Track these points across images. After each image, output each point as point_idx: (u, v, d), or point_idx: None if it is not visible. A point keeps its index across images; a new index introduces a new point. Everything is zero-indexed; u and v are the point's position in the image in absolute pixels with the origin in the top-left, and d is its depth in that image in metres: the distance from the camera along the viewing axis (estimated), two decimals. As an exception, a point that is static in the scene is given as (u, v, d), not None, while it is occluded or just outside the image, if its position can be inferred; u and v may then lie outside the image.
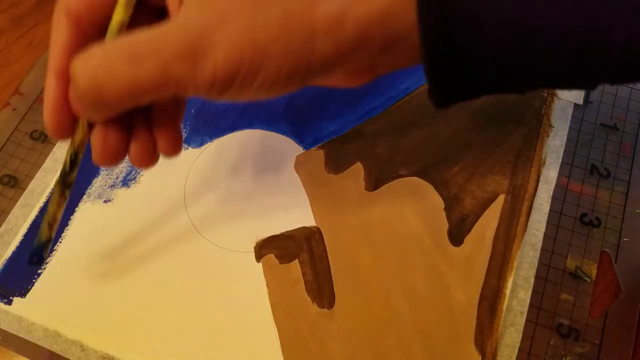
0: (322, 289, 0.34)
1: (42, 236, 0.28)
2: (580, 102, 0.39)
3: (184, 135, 0.39)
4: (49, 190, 0.37)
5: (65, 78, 0.23)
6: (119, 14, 0.22)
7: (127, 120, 0.25)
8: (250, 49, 0.20)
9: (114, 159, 0.24)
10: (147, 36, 0.20)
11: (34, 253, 0.28)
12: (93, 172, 0.37)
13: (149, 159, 0.25)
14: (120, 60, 0.20)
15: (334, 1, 0.20)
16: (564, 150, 0.37)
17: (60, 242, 0.35)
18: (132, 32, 0.21)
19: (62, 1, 0.23)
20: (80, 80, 0.21)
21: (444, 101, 0.23)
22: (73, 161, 0.25)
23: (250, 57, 0.20)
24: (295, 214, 0.36)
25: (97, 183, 0.37)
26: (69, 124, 0.24)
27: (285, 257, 0.35)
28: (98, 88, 0.21)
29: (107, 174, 0.37)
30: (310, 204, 0.36)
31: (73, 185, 0.26)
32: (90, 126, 0.24)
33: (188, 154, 0.38)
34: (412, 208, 0.36)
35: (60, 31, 0.23)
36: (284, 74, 0.21)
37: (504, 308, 0.33)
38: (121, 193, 0.37)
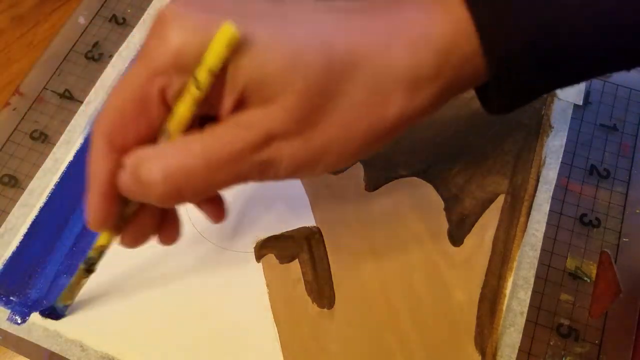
0: (322, 289, 0.34)
1: (63, 301, 0.32)
2: (580, 102, 0.39)
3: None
4: (48, 190, 0.37)
5: (111, 196, 0.24)
6: (184, 112, 0.22)
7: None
8: (310, 154, 0.22)
9: (143, 244, 0.27)
10: (219, 144, 0.21)
11: (54, 311, 0.33)
12: (93, 172, 0.37)
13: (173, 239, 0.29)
14: (198, 166, 0.21)
15: (403, 100, 0.22)
16: (564, 151, 0.37)
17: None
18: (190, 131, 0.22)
19: (102, 134, 0.23)
20: (157, 185, 0.21)
21: (510, 106, 0.25)
22: (99, 256, 0.28)
23: (310, 159, 0.22)
24: (295, 214, 0.36)
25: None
26: (110, 225, 0.25)
27: (285, 257, 0.35)
28: (177, 191, 0.22)
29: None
30: (310, 204, 0.36)
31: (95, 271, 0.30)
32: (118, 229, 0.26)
33: (188, 154, 0.38)
34: (412, 208, 0.36)
35: (103, 161, 0.23)
36: (345, 160, 0.23)
37: (504, 308, 0.33)
38: (121, 193, 0.37)
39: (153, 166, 0.21)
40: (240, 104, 0.21)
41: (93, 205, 0.24)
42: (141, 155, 0.22)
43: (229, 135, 0.21)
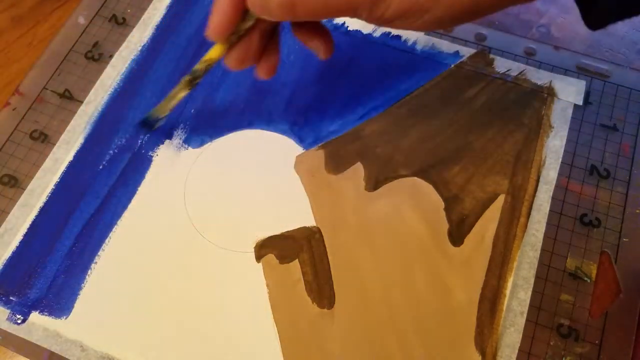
0: (322, 289, 0.34)
1: (158, 112, 0.34)
2: (580, 102, 0.39)
3: (184, 135, 0.39)
4: (49, 190, 0.37)
5: (236, 7, 0.27)
6: None
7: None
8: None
9: (245, 66, 0.30)
10: None
11: (147, 121, 0.36)
12: (93, 172, 0.37)
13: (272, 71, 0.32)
14: None
15: None
16: (564, 151, 0.37)
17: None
18: None
19: None
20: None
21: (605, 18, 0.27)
22: (206, 69, 0.31)
23: (421, 4, 0.24)
24: (295, 214, 0.36)
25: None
26: (227, 35, 0.28)
27: (285, 257, 0.35)
28: (292, 6, 0.24)
29: (108, 174, 0.37)
30: (310, 204, 0.36)
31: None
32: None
33: (188, 154, 0.38)
34: (412, 208, 0.36)
35: None
36: (450, 16, 0.24)
37: (504, 308, 0.33)
38: (121, 193, 0.37)
39: None
40: None
41: (218, 13, 0.27)
42: None
43: None
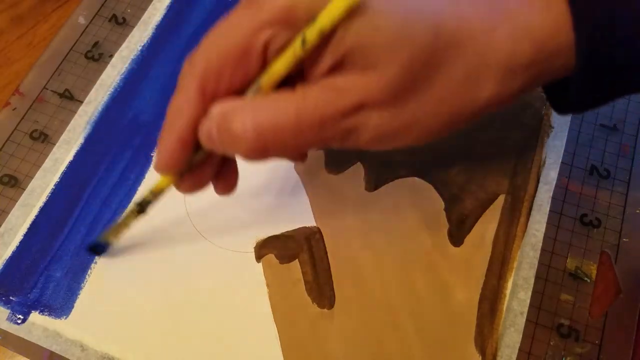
0: (322, 289, 0.34)
1: (107, 237, 0.33)
2: (580, 102, 0.39)
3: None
4: (49, 190, 0.37)
5: (188, 142, 0.24)
6: (281, 68, 0.22)
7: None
8: (396, 127, 0.22)
9: (195, 192, 0.27)
10: (312, 106, 0.21)
11: (98, 246, 0.34)
12: (94, 172, 0.37)
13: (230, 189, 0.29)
14: (289, 125, 0.21)
15: (496, 84, 0.22)
16: (564, 151, 0.37)
17: (60, 242, 0.35)
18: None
19: (195, 77, 0.23)
20: (248, 139, 0.22)
21: (581, 106, 0.25)
22: (155, 198, 0.28)
23: (394, 132, 0.22)
24: (295, 214, 0.36)
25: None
26: (177, 170, 0.25)
27: (285, 257, 0.35)
28: (265, 146, 0.22)
29: (108, 174, 0.37)
30: (310, 204, 0.36)
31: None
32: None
33: (188, 154, 0.38)
34: (412, 208, 0.36)
35: (189, 105, 0.23)
36: (427, 137, 0.23)
37: (504, 308, 0.33)
38: (121, 193, 0.37)
39: (246, 119, 0.21)
40: (337, 68, 0.21)
41: (167, 148, 0.24)
42: (232, 106, 0.22)
43: (323, 98, 0.21)
